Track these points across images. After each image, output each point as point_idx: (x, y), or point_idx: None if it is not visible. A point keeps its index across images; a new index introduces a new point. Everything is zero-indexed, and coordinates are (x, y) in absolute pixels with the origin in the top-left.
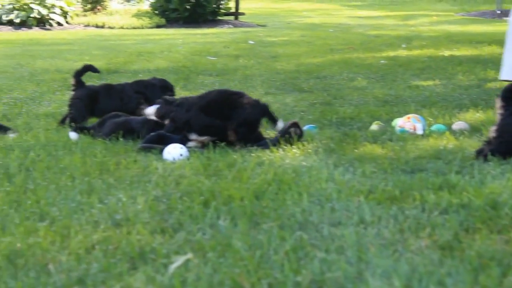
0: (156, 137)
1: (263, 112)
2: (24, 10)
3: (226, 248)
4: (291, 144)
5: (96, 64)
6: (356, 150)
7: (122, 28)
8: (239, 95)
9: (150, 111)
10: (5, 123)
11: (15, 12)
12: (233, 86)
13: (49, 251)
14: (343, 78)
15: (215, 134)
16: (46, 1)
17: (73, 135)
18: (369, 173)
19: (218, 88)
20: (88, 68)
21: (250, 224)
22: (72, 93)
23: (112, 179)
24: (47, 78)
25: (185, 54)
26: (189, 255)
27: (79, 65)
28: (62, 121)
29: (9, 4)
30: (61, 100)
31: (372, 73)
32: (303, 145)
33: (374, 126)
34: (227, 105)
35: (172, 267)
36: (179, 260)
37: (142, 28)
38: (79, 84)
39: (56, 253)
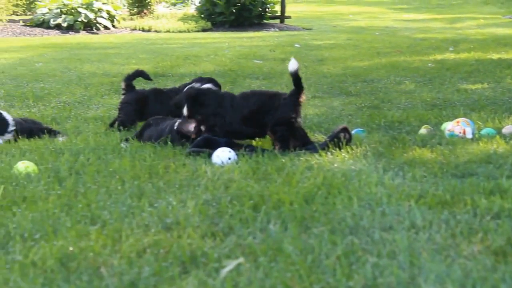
0: (203, 141)
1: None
2: (71, 14)
3: (277, 253)
4: (340, 148)
5: (143, 67)
6: (405, 154)
7: (168, 32)
8: (274, 98)
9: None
10: (54, 126)
11: (63, 16)
12: (280, 89)
13: (101, 254)
14: (391, 81)
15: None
16: (93, 5)
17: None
18: (419, 178)
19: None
20: (140, 74)
21: (300, 228)
22: (122, 97)
23: (162, 182)
24: (95, 82)
25: (231, 57)
26: (241, 259)
27: (126, 68)
28: (111, 125)
29: (57, 8)
30: (109, 103)
31: (419, 76)
32: (352, 149)
33: (423, 130)
34: (263, 112)
35: (224, 271)
36: (230, 264)
37: (188, 31)
38: (129, 88)
39: (108, 257)
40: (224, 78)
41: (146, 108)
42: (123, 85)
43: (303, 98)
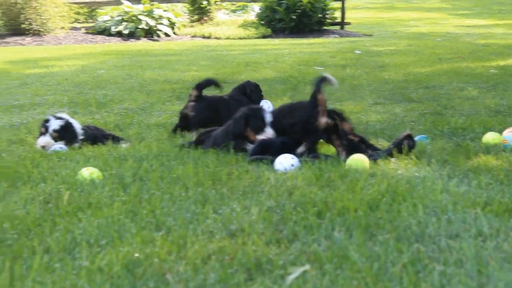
0: (260, 146)
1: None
2: (132, 21)
3: (342, 260)
4: (403, 155)
5: (205, 74)
6: (469, 161)
7: (228, 38)
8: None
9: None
10: (117, 133)
11: (124, 23)
12: (341, 96)
13: (166, 261)
14: (453, 87)
15: None
16: (154, 13)
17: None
18: (485, 185)
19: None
20: (211, 83)
21: (365, 235)
22: (190, 104)
23: (225, 189)
24: (156, 89)
25: (292, 64)
26: (307, 267)
27: (187, 75)
28: (174, 130)
29: (118, 16)
30: (171, 110)
31: (482, 82)
32: (415, 156)
33: (488, 135)
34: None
35: (290, 278)
36: (296, 271)
37: (248, 38)
38: (199, 96)
39: (174, 263)
40: (285, 85)
41: (214, 115)
42: (194, 92)
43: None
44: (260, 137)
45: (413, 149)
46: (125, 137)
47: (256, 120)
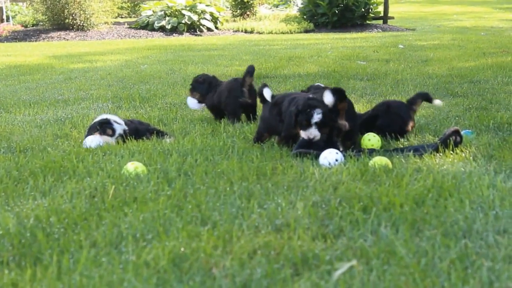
0: (306, 140)
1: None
2: (175, 16)
3: (389, 255)
4: (449, 150)
5: None
6: None
7: (271, 33)
8: None
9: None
10: (161, 127)
11: (167, 18)
12: (385, 90)
13: (212, 255)
14: (498, 82)
15: None
16: (197, 8)
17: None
18: None
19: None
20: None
21: (412, 231)
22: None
23: (270, 184)
24: None
25: (335, 58)
26: (354, 262)
27: (230, 70)
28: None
29: (161, 10)
30: None
31: None
32: (461, 151)
33: None
34: None
35: (337, 273)
36: (343, 267)
37: (291, 33)
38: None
39: (220, 258)
40: (328, 80)
41: None
42: (249, 80)
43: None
44: (303, 134)
45: (460, 144)
46: (169, 131)
47: (302, 118)
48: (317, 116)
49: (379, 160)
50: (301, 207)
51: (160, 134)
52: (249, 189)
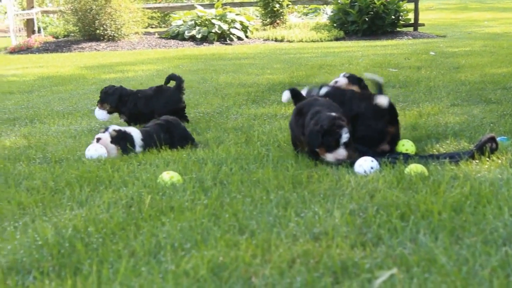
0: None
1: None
2: (205, 25)
3: (430, 263)
4: (485, 157)
5: (279, 77)
6: None
7: (301, 41)
8: None
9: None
10: (195, 137)
11: (197, 28)
12: (418, 97)
13: (251, 264)
14: None
15: None
16: (227, 17)
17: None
18: None
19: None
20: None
21: (451, 238)
22: None
23: (306, 192)
24: (231, 92)
25: (366, 66)
26: (395, 270)
27: (261, 79)
28: None
29: (191, 20)
30: (247, 113)
31: None
32: (497, 158)
33: None
34: None
35: (377, 282)
36: (384, 275)
37: (321, 41)
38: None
39: (259, 267)
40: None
41: None
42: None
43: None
44: (330, 156)
45: (496, 151)
46: (203, 140)
47: (330, 139)
48: (345, 136)
49: (415, 168)
50: (338, 215)
51: (192, 142)
52: (286, 197)
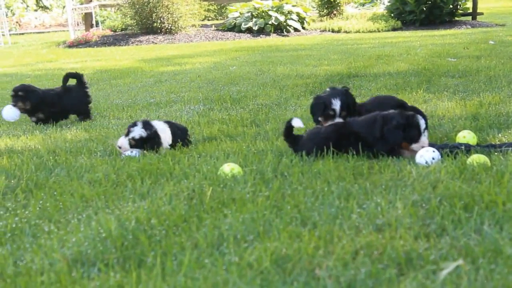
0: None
1: None
2: (262, 17)
3: (496, 254)
4: None
5: (336, 68)
6: None
7: (358, 32)
8: None
9: None
10: (254, 129)
11: (254, 19)
12: (478, 87)
13: (314, 256)
14: None
15: None
16: (284, 8)
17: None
18: None
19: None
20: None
21: None
22: None
23: (368, 183)
24: (289, 84)
25: (424, 56)
26: (460, 261)
27: (319, 70)
28: None
29: (248, 12)
30: (305, 105)
31: None
32: None
33: None
34: None
35: (443, 273)
36: (449, 267)
37: (378, 31)
38: None
39: (322, 258)
40: (419, 77)
41: None
42: None
43: None
44: (417, 146)
45: None
46: (262, 132)
47: (412, 130)
48: (423, 123)
49: (478, 158)
50: (401, 206)
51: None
52: (347, 189)
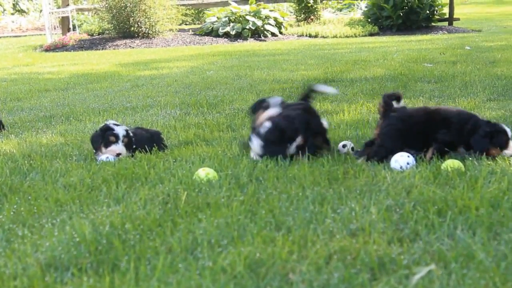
0: None
1: None
2: (239, 22)
3: (468, 259)
4: None
5: (313, 73)
6: None
7: (335, 37)
8: None
9: None
10: (229, 133)
11: (231, 24)
12: (453, 92)
13: (288, 260)
14: None
15: None
16: (261, 13)
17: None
18: None
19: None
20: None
21: (489, 234)
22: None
23: (342, 188)
24: (266, 88)
25: (401, 61)
26: (433, 266)
27: (296, 75)
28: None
29: (225, 17)
30: None
31: None
32: None
33: None
34: None
35: (415, 278)
36: (422, 271)
37: (355, 36)
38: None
39: (296, 263)
40: (395, 83)
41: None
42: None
43: None
44: (508, 152)
45: None
46: (238, 137)
47: (500, 136)
48: (510, 130)
49: (452, 163)
50: (375, 211)
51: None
52: (322, 193)
